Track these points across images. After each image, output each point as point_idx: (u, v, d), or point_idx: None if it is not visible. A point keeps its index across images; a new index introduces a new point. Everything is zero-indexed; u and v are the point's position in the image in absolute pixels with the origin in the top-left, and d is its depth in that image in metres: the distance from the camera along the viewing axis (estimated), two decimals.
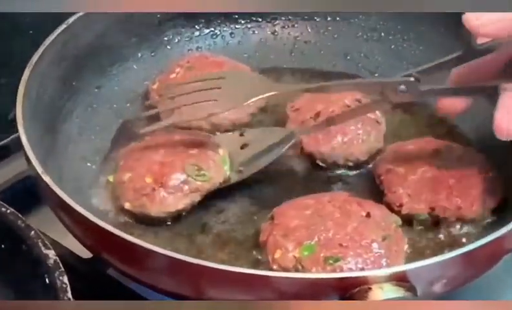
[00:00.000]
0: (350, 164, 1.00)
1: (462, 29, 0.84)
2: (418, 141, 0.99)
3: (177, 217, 0.92)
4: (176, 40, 1.15)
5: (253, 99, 0.93)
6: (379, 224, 0.88)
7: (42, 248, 0.76)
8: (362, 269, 0.83)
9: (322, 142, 0.99)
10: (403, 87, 0.87)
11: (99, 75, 1.04)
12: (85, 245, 0.87)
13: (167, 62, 1.10)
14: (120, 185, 0.92)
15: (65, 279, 0.74)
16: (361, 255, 0.85)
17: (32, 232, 0.78)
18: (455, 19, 0.97)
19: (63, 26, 1.01)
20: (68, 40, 1.01)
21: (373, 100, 0.97)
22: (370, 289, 0.74)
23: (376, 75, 1.14)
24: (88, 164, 0.98)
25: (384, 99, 0.89)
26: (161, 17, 1.12)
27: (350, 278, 0.76)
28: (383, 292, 0.74)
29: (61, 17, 1.03)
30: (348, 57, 1.16)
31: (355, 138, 0.99)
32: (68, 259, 0.91)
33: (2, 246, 0.79)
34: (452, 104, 0.90)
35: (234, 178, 0.96)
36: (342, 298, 0.75)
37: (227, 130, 1.04)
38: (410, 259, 0.88)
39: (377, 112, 1.03)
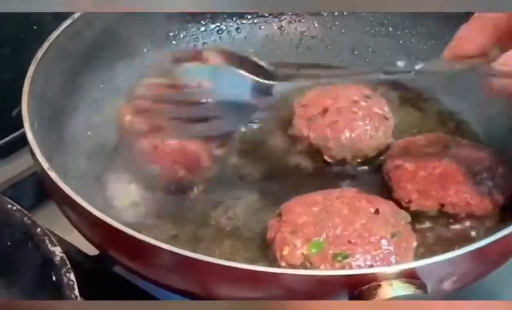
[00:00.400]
0: (358, 160, 0.99)
1: None
2: (427, 136, 0.98)
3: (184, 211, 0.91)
4: (182, 35, 1.14)
5: None
6: (388, 220, 0.87)
7: (49, 245, 0.76)
8: (371, 266, 0.83)
9: (330, 138, 0.98)
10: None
11: (105, 71, 1.03)
12: (91, 242, 0.86)
13: None
14: None
15: (72, 276, 0.73)
16: (370, 252, 0.84)
17: (39, 229, 0.77)
18: (463, 14, 0.96)
19: (68, 22, 1.01)
20: (73, 35, 1.00)
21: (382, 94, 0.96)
22: (379, 286, 0.73)
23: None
24: (94, 160, 0.98)
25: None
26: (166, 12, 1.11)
27: (360, 275, 0.75)
28: (393, 290, 0.73)
29: (65, 13, 1.02)
30: (356, 52, 1.15)
31: (363, 134, 0.99)
32: (74, 256, 0.90)
33: (9, 243, 0.79)
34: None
35: None
36: (352, 294, 0.74)
37: None
38: (419, 256, 0.87)
39: (385, 108, 1.02)
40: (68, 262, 0.74)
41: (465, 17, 1.03)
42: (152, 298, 0.88)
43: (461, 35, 0.85)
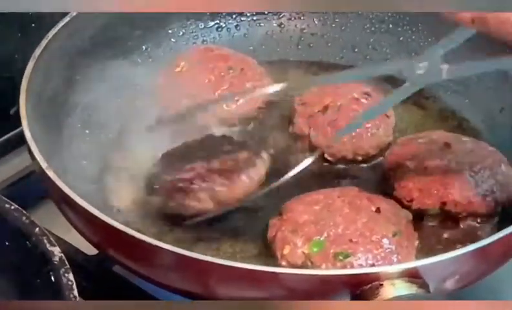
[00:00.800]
0: (359, 158, 0.98)
1: None
2: (428, 134, 0.98)
3: None
4: (181, 33, 1.14)
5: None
6: (389, 219, 0.87)
7: (48, 245, 0.75)
8: (372, 265, 0.82)
9: (331, 136, 0.98)
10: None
11: (103, 69, 1.02)
12: (90, 241, 0.85)
13: (171, 56, 1.09)
14: None
15: (71, 276, 0.73)
16: (371, 251, 0.83)
17: (37, 229, 0.76)
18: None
19: (67, 19, 1.00)
20: (71, 33, 1.00)
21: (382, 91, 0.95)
22: (381, 285, 0.73)
23: None
24: (93, 159, 0.97)
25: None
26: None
27: (362, 274, 0.74)
28: (395, 289, 0.73)
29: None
30: (356, 49, 1.15)
31: (364, 132, 0.98)
32: (73, 256, 0.90)
33: (7, 243, 0.78)
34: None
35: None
36: (354, 294, 0.73)
37: (233, 124, 1.02)
38: (421, 255, 0.86)
39: None
40: (67, 262, 0.74)
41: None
42: (151, 297, 0.87)
43: None
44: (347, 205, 0.87)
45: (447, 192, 0.90)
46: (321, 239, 0.84)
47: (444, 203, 0.90)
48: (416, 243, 0.88)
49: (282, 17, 1.17)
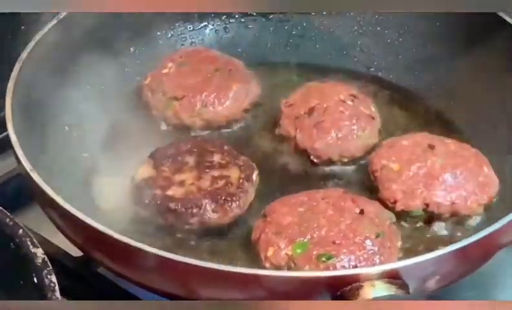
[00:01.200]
0: (345, 160, 0.99)
1: None
2: (413, 136, 0.98)
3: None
4: (169, 35, 1.14)
5: None
6: (372, 221, 0.87)
7: (31, 246, 0.75)
8: (355, 267, 0.83)
9: (317, 138, 0.98)
10: None
11: (91, 71, 1.02)
12: (73, 243, 0.85)
13: (159, 57, 1.09)
14: None
15: (53, 278, 0.73)
16: (354, 252, 0.84)
17: (20, 230, 0.77)
18: (452, 14, 0.96)
19: (54, 22, 1.00)
20: (58, 36, 1.00)
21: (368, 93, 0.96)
22: (361, 286, 0.73)
23: (372, 69, 1.13)
24: (79, 161, 0.97)
25: None
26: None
27: (342, 275, 0.75)
28: (375, 290, 0.73)
29: (53, 13, 1.02)
30: (344, 52, 1.15)
31: (349, 134, 0.98)
32: (60, 257, 0.90)
33: None
34: None
35: None
36: (334, 295, 0.74)
37: (220, 126, 1.03)
38: (403, 255, 0.87)
39: (371, 107, 1.02)
40: (49, 264, 0.74)
41: (453, 15, 1.03)
42: (135, 298, 0.88)
43: None
44: (331, 207, 0.88)
45: (430, 194, 0.90)
46: (305, 241, 0.85)
47: (427, 205, 0.90)
48: (399, 244, 0.88)
49: (271, 19, 1.17)
